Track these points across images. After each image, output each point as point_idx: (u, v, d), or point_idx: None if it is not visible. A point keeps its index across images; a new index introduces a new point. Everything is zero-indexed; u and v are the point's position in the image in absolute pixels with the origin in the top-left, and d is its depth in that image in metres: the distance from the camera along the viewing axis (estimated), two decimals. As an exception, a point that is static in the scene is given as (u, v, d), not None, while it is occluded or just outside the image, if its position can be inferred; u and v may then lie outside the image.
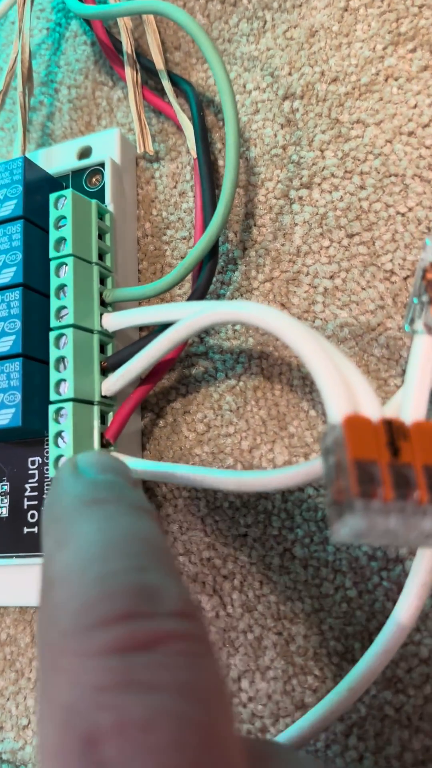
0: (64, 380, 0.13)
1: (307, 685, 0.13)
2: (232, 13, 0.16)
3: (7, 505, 0.15)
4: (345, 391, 0.10)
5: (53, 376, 0.13)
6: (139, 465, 0.13)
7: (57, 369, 0.13)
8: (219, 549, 0.14)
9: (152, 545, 0.09)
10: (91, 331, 0.14)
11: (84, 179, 0.16)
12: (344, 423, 0.09)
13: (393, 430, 0.09)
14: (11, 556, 0.15)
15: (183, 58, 0.16)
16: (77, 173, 0.16)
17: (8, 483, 0.15)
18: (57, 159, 0.16)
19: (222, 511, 0.14)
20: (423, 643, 0.12)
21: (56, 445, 0.13)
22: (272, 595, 0.13)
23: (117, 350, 0.14)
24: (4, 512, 0.15)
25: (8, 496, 0.15)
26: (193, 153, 0.15)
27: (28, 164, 0.15)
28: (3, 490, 0.15)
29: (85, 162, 0.16)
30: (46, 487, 0.15)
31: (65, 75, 0.18)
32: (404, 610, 0.11)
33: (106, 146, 0.16)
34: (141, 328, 0.16)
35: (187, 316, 0.12)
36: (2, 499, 0.15)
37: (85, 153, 0.16)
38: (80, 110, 0.17)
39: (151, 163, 0.16)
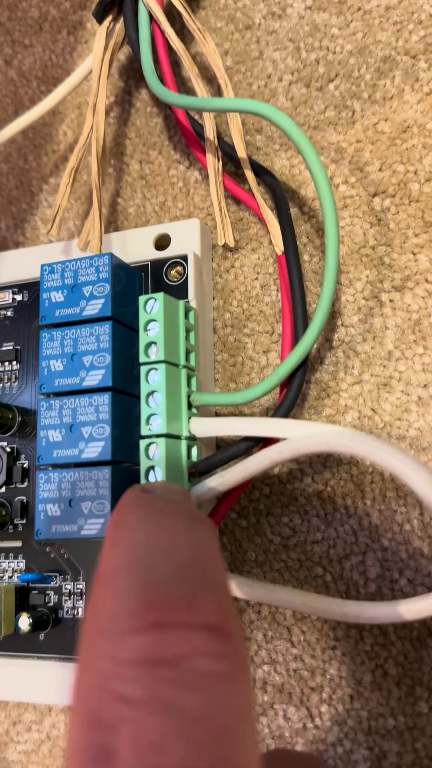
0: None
1: (400, 809, 0.13)
2: (317, 99, 0.16)
3: (83, 605, 0.15)
4: None
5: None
6: (238, 584, 0.13)
7: (147, 478, 0.13)
8: (307, 661, 0.14)
9: (201, 556, 0.09)
10: (179, 438, 0.14)
11: (164, 272, 0.15)
12: None
13: None
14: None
15: (264, 143, 0.16)
16: (156, 263, 0.15)
17: (84, 583, 0.15)
18: (133, 245, 0.16)
19: (310, 622, 0.14)
20: None
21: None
22: (363, 711, 0.13)
23: (200, 453, 0.14)
24: (79, 613, 0.15)
25: (84, 597, 0.15)
26: (278, 250, 0.15)
27: (115, 261, 0.14)
28: (78, 590, 0.15)
29: (166, 254, 0.15)
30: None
31: (137, 148, 0.18)
32: None
33: (187, 238, 0.16)
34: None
35: (295, 438, 0.12)
36: (77, 599, 0.15)
37: (163, 241, 0.16)
38: (154, 188, 0.17)
39: (231, 252, 0.16)
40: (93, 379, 0.14)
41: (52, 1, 0.20)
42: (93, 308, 0.14)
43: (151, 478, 0.13)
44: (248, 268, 0.16)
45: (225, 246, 0.16)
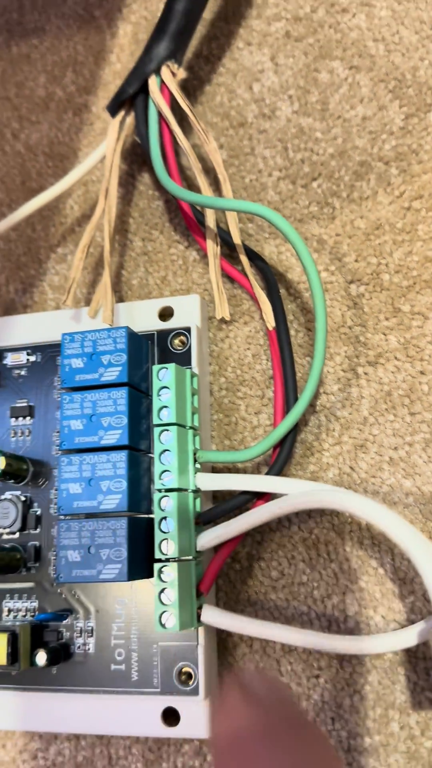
0: (166, 540, 0.15)
1: None
2: (302, 195, 0.18)
3: (93, 642, 0.16)
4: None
5: (158, 536, 0.15)
6: (235, 621, 0.15)
7: (161, 528, 0.15)
8: (294, 688, 0.16)
9: None
10: (187, 491, 0.16)
11: (169, 341, 0.17)
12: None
13: None
14: (98, 691, 0.16)
15: (256, 231, 0.19)
16: (162, 333, 0.17)
17: (94, 621, 0.16)
18: (139, 315, 0.18)
19: (296, 654, 0.16)
20: None
21: (161, 601, 0.14)
22: (343, 731, 0.15)
23: (202, 504, 0.16)
24: (90, 648, 0.16)
25: (94, 634, 0.16)
26: (270, 325, 0.17)
27: (130, 334, 0.16)
28: (89, 628, 0.16)
29: (170, 325, 0.17)
30: (133, 629, 0.16)
31: (140, 227, 0.20)
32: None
33: (189, 311, 0.18)
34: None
35: (294, 495, 0.14)
36: (88, 636, 0.16)
37: (166, 312, 0.18)
38: (156, 264, 0.19)
39: (226, 325, 0.18)
40: (111, 438, 0.16)
41: (58, 83, 0.21)
42: (111, 375, 0.16)
43: (164, 527, 0.15)
44: (241, 339, 0.18)
45: (221, 319, 0.18)
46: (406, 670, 0.15)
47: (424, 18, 0.19)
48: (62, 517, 0.15)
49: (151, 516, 0.16)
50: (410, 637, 0.14)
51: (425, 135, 0.18)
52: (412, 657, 0.15)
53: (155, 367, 0.16)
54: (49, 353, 0.18)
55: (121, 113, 0.18)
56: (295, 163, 0.19)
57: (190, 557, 0.15)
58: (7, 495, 0.17)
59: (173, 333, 0.17)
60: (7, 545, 0.17)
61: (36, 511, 0.17)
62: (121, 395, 0.16)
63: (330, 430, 0.17)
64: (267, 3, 0.20)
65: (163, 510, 0.15)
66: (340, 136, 0.19)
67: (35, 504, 0.17)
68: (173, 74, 0.18)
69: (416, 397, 0.16)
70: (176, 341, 0.17)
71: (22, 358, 0.18)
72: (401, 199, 0.18)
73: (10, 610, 0.17)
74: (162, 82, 0.18)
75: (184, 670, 0.15)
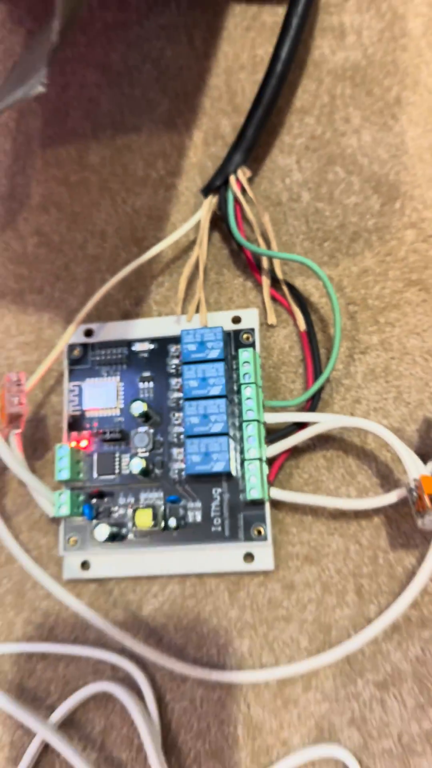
0: (250, 448, 0.26)
1: None
2: (318, 250, 0.30)
3: (200, 514, 0.27)
4: (416, 464, 0.23)
5: (246, 446, 0.26)
6: (288, 495, 0.26)
7: (248, 442, 0.26)
8: (315, 540, 0.27)
9: None
10: (259, 421, 0.26)
11: (240, 336, 0.28)
12: (421, 478, 0.23)
13: None
14: (202, 545, 0.26)
15: (290, 271, 0.30)
16: (235, 332, 0.28)
17: (200, 503, 0.27)
18: (220, 320, 0.29)
19: (325, 516, 0.27)
20: None
21: (250, 482, 0.25)
22: (348, 567, 0.26)
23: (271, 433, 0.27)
24: (198, 518, 0.27)
25: (201, 510, 0.27)
26: (301, 328, 0.28)
27: (222, 332, 0.27)
28: (198, 508, 0.27)
29: (239, 327, 0.28)
30: (224, 506, 0.27)
31: (213, 266, 0.30)
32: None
33: (250, 318, 0.29)
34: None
35: (327, 421, 0.25)
36: (197, 513, 0.27)
37: (236, 319, 0.29)
38: (226, 289, 0.30)
39: (272, 327, 0.29)
40: (215, 390, 0.26)
41: (152, 167, 0.32)
42: (213, 354, 0.27)
43: (249, 442, 0.26)
44: (282, 337, 0.29)
45: (270, 324, 0.29)
46: (385, 525, 0.26)
47: (396, 143, 0.31)
48: (187, 437, 0.26)
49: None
50: (392, 497, 0.25)
51: (393, 217, 0.30)
52: (394, 515, 0.26)
53: (241, 350, 0.27)
54: (162, 342, 0.29)
55: (210, 196, 0.29)
56: (312, 230, 0.30)
57: (263, 459, 0.26)
58: (142, 428, 0.28)
59: (242, 332, 0.28)
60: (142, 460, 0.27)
61: (159, 439, 0.28)
62: (220, 366, 0.26)
63: (338, 392, 0.28)
64: (293, 125, 0.32)
65: (248, 432, 0.26)
66: (341, 215, 0.30)
67: (158, 434, 0.28)
68: (243, 174, 0.29)
69: (389, 372, 0.28)
70: (244, 336, 0.28)
71: (146, 346, 0.29)
72: (378, 255, 0.29)
73: (146, 498, 0.27)
74: (236, 178, 0.29)
75: (257, 528, 0.26)
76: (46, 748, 0.26)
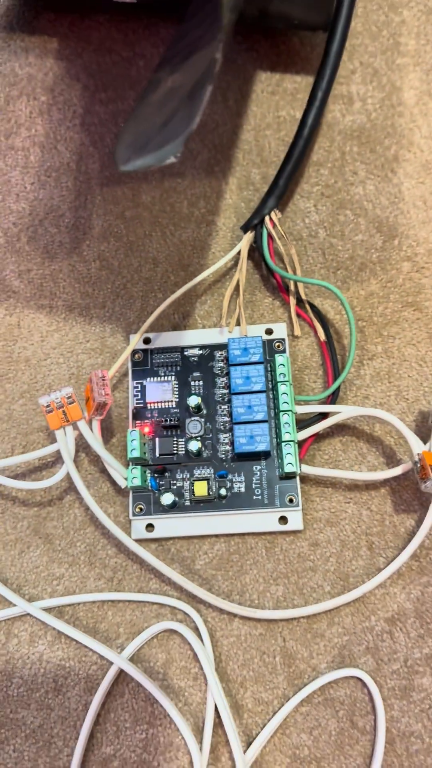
0: (288, 432, 0.32)
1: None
2: (332, 277, 0.37)
3: (243, 485, 0.33)
4: (418, 443, 0.30)
5: (283, 430, 0.32)
6: (315, 470, 0.32)
7: (284, 428, 0.32)
8: (340, 501, 0.33)
9: None
10: (291, 411, 0.33)
11: (273, 344, 0.35)
12: (424, 453, 0.30)
13: None
14: (246, 510, 0.33)
15: (311, 292, 0.37)
16: (269, 341, 0.35)
17: (243, 477, 0.33)
18: (255, 331, 0.35)
19: (342, 488, 0.33)
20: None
21: (287, 460, 0.32)
22: (361, 528, 0.33)
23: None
24: (242, 488, 0.33)
25: (243, 482, 0.33)
26: (321, 338, 0.35)
27: (262, 341, 0.34)
28: (241, 479, 0.33)
29: (272, 336, 0.35)
30: (264, 480, 0.33)
31: (249, 288, 0.37)
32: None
33: (280, 330, 0.35)
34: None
35: (347, 411, 0.32)
36: (240, 483, 0.33)
37: (269, 331, 0.35)
38: (258, 307, 0.37)
39: (297, 338, 0.36)
40: (257, 387, 0.33)
41: (195, 206, 0.39)
42: (255, 357, 0.33)
43: (285, 429, 0.32)
44: (305, 345, 0.36)
45: (295, 335, 0.36)
46: (390, 494, 0.33)
47: (394, 192, 0.38)
48: (235, 423, 0.32)
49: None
50: (398, 470, 0.32)
51: (393, 251, 0.37)
52: (396, 487, 0.33)
53: (276, 355, 0.33)
54: (209, 349, 0.35)
55: (249, 232, 0.36)
56: (328, 260, 0.37)
57: (296, 441, 0.33)
58: (195, 418, 0.34)
59: (274, 341, 0.35)
60: (198, 441, 0.34)
61: (209, 426, 0.34)
62: (260, 367, 0.33)
63: (351, 390, 0.35)
64: (311, 176, 0.39)
65: (284, 420, 0.32)
66: (351, 249, 0.37)
67: (207, 422, 0.34)
68: (275, 215, 0.36)
69: (391, 375, 0.35)
70: (276, 345, 0.35)
71: (196, 351, 0.35)
72: (381, 282, 0.36)
73: (199, 473, 0.33)
74: (270, 218, 0.36)
75: (290, 496, 0.33)
76: (116, 680, 0.32)
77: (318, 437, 0.34)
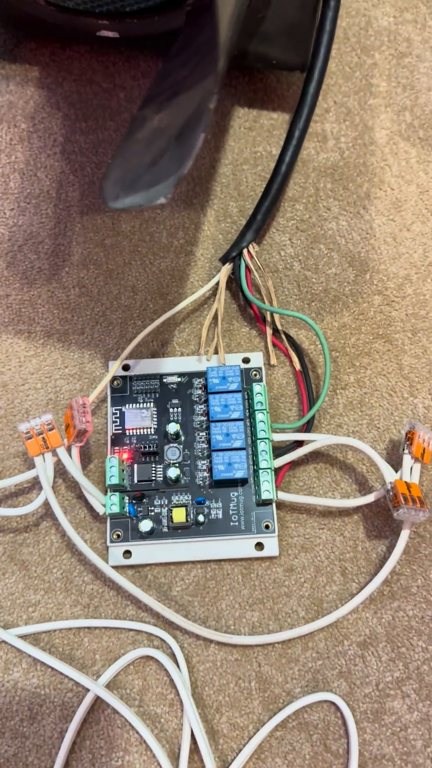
0: (265, 460, 0.33)
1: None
2: (307, 309, 0.38)
3: (220, 512, 0.34)
4: (390, 471, 0.31)
5: (260, 456, 0.33)
6: (291, 497, 0.33)
7: (260, 455, 0.33)
8: (315, 531, 0.34)
9: None
10: (268, 439, 0.34)
11: (249, 372, 0.36)
12: (395, 482, 0.31)
13: (408, 485, 0.31)
14: (222, 536, 0.33)
15: (286, 323, 0.38)
16: (245, 369, 0.36)
17: (221, 503, 0.34)
18: (233, 360, 0.36)
19: (317, 514, 0.34)
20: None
21: (262, 485, 0.32)
22: (343, 560, 0.34)
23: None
24: (219, 515, 0.33)
25: (221, 508, 0.34)
26: (297, 367, 0.36)
27: (240, 370, 0.35)
28: (219, 506, 0.34)
29: (249, 365, 0.36)
30: (240, 507, 0.34)
31: (226, 317, 0.38)
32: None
33: (257, 359, 0.36)
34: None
35: (322, 439, 0.33)
36: (218, 509, 0.34)
37: (246, 359, 0.36)
38: (234, 335, 0.38)
39: (272, 366, 0.37)
40: (235, 414, 0.34)
41: (174, 237, 0.40)
42: (233, 386, 0.34)
43: (262, 455, 0.33)
44: (281, 374, 0.37)
45: (271, 364, 0.37)
46: (362, 520, 0.34)
47: (366, 228, 0.39)
48: (213, 450, 0.33)
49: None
50: (370, 497, 0.33)
51: (364, 285, 0.38)
52: (368, 514, 0.34)
53: (254, 384, 0.34)
54: (188, 377, 0.36)
55: (228, 264, 0.37)
56: (303, 292, 0.38)
57: (272, 468, 0.33)
58: (173, 444, 0.35)
59: (251, 370, 0.36)
60: (176, 468, 0.34)
61: (186, 452, 0.35)
62: (238, 395, 0.34)
63: (325, 418, 0.36)
64: (286, 210, 0.40)
65: (261, 447, 0.33)
66: (324, 282, 0.39)
67: (185, 449, 0.35)
68: (253, 248, 0.37)
69: (363, 404, 0.36)
70: (253, 373, 0.36)
71: (174, 379, 0.36)
72: (354, 314, 0.38)
73: (177, 500, 0.34)
74: (248, 250, 0.37)
75: (266, 523, 0.33)
76: (91, 707, 0.32)
77: (293, 464, 0.35)
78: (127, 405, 0.35)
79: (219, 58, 0.23)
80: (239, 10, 0.27)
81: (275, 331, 0.37)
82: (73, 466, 0.32)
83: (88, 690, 0.32)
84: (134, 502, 0.34)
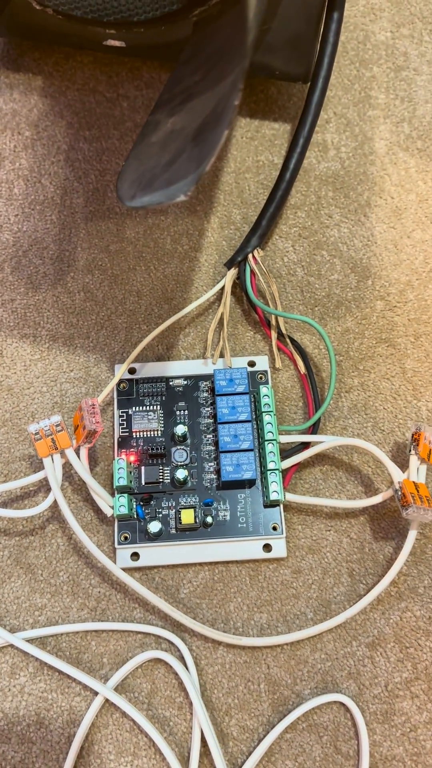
0: (273, 461, 0.33)
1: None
2: (310, 313, 0.38)
3: (228, 513, 0.34)
4: (397, 471, 0.32)
5: (268, 458, 0.33)
6: (298, 498, 0.33)
7: (268, 456, 0.33)
8: (322, 532, 0.34)
9: None
10: (276, 441, 0.34)
11: (256, 375, 0.36)
12: (404, 481, 0.31)
13: (416, 484, 0.31)
14: (230, 538, 0.33)
15: (290, 327, 0.38)
16: (252, 372, 0.36)
17: (228, 504, 0.34)
18: (239, 363, 0.37)
19: (325, 513, 0.34)
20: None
21: (271, 487, 0.33)
22: (353, 558, 0.34)
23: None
24: (227, 516, 0.34)
25: (228, 510, 0.34)
26: (302, 371, 0.36)
27: (247, 372, 0.35)
28: (226, 507, 0.34)
29: (255, 369, 0.36)
30: (248, 507, 0.34)
31: (232, 321, 0.38)
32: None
33: (262, 362, 0.37)
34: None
35: (329, 441, 0.33)
36: (225, 513, 0.34)
37: (251, 363, 0.37)
38: (240, 340, 0.38)
39: (278, 369, 0.37)
40: (243, 416, 0.34)
41: (178, 243, 0.40)
42: (240, 388, 0.34)
43: (270, 457, 0.33)
44: (286, 377, 0.37)
45: (276, 368, 0.37)
46: (369, 522, 0.34)
47: (367, 235, 0.40)
48: (221, 452, 0.33)
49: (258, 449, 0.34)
50: (378, 498, 0.33)
51: (366, 291, 0.39)
52: (375, 515, 0.34)
53: (261, 386, 0.35)
54: (194, 379, 0.36)
55: (233, 268, 0.37)
56: (306, 297, 0.39)
57: (280, 470, 0.34)
58: (181, 446, 0.35)
59: (257, 373, 0.36)
60: (184, 469, 0.34)
61: (194, 454, 0.35)
62: (246, 397, 0.34)
63: (330, 421, 0.36)
64: (289, 218, 0.41)
65: (269, 449, 0.33)
66: (327, 287, 0.39)
67: (193, 452, 0.35)
68: (258, 253, 0.38)
69: (368, 407, 0.36)
70: (258, 376, 0.36)
71: (181, 381, 0.36)
72: (357, 318, 0.38)
73: (184, 502, 0.34)
74: (253, 255, 0.37)
75: (274, 524, 0.33)
76: (99, 711, 0.32)
77: (298, 467, 0.35)
78: (133, 408, 0.36)
79: (246, 56, 0.23)
80: (261, 10, 0.27)
81: (280, 335, 0.38)
82: (81, 467, 0.32)
83: (96, 693, 0.31)
84: (142, 503, 0.34)
